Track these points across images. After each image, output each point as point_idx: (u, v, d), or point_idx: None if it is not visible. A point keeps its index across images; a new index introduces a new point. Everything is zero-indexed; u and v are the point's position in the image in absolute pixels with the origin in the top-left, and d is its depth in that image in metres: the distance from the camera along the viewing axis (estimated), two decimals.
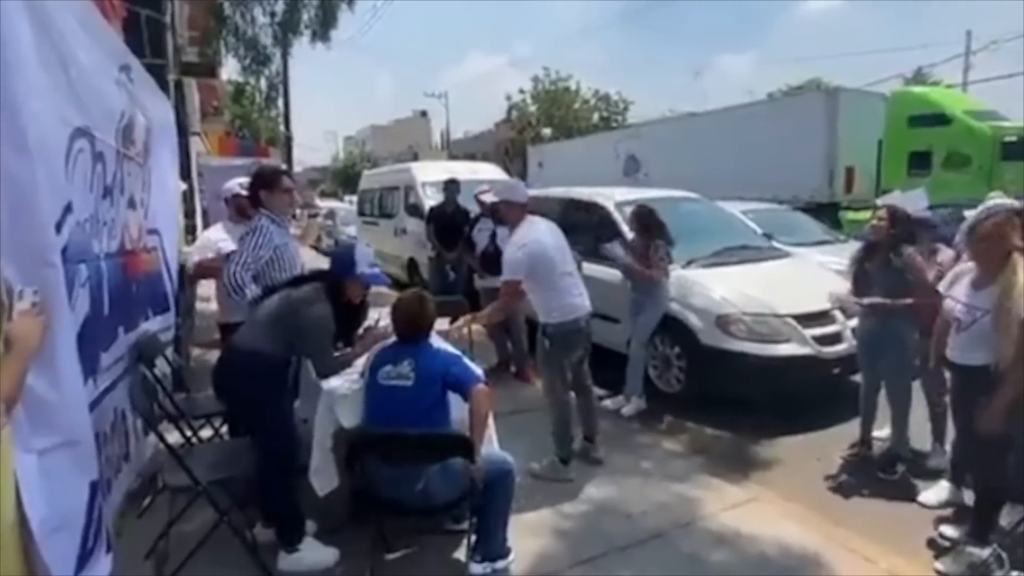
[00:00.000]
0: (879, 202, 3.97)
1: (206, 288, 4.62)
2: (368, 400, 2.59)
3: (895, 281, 3.35)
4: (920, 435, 3.68)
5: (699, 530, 3.00)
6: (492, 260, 5.21)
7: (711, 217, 6.07)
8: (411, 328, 2.61)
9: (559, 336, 3.46)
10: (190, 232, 9.67)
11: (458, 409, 2.54)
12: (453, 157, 30.47)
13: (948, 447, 3.49)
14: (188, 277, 4.15)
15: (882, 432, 3.74)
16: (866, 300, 3.45)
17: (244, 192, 3.47)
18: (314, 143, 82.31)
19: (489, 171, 10.36)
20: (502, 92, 40.23)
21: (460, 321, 3.62)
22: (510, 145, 33.35)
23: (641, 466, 3.70)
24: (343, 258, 2.75)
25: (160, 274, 3.74)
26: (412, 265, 9.32)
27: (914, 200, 4.73)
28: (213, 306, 3.84)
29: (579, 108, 33.49)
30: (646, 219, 4.62)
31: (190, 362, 4.76)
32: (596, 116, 33.46)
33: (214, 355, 3.02)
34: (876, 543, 2.86)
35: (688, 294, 4.59)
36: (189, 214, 10.52)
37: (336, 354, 2.68)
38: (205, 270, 3.74)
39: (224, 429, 3.28)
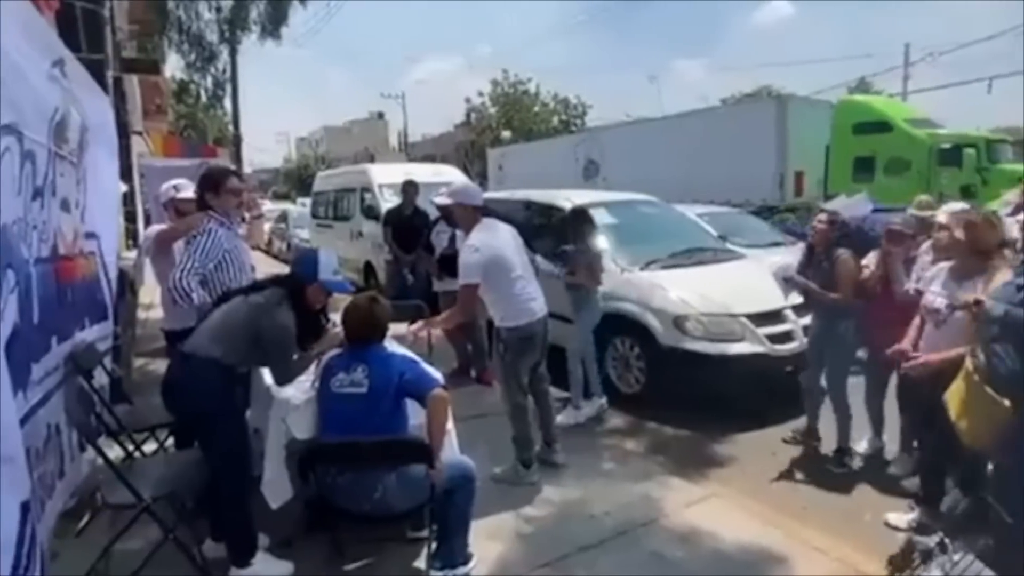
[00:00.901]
0: (826, 207, 4.14)
1: (148, 294, 4.40)
2: (321, 409, 2.51)
3: (826, 280, 3.62)
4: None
5: (660, 528, 3.03)
6: (451, 263, 5.13)
7: (668, 220, 6.18)
8: (364, 333, 2.54)
9: (514, 341, 3.44)
10: (131, 236, 9.25)
11: (417, 415, 2.49)
12: (411, 159, 30.19)
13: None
14: (129, 282, 3.95)
15: (859, 446, 3.83)
16: (809, 284, 3.68)
17: (180, 195, 3.31)
18: (265, 144, 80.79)
19: (449, 173, 10.28)
20: (460, 94, 40.29)
21: (416, 325, 3.55)
22: (470, 147, 33.30)
23: (603, 467, 3.72)
24: (306, 263, 2.67)
25: (98, 280, 3.53)
26: (368, 269, 9.14)
27: (858, 204, 4.93)
28: (155, 313, 3.65)
29: (539, 111, 33.72)
30: (574, 222, 4.56)
31: (132, 372, 4.52)
32: (556, 119, 33.73)
33: (158, 364, 2.88)
34: (828, 535, 2.94)
35: (647, 296, 4.65)
36: (130, 217, 10.07)
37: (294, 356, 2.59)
38: (168, 236, 3.38)
39: (170, 442, 3.13)
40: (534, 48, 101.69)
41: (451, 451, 2.65)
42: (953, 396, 2.48)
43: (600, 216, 5.47)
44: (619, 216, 5.58)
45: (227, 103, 14.18)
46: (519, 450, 3.51)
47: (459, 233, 5.17)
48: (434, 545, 2.50)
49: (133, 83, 11.95)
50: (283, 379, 2.54)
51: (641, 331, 4.60)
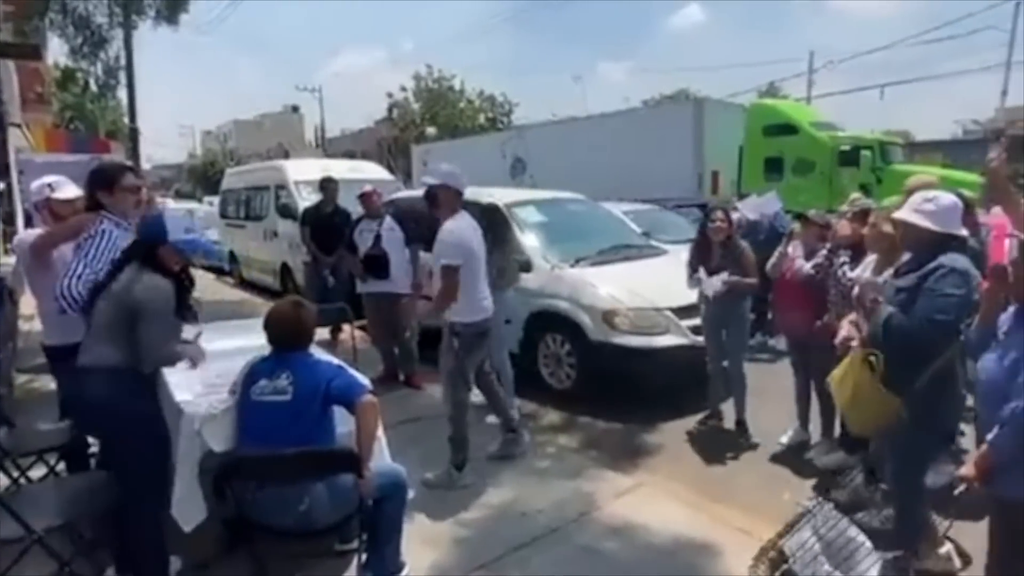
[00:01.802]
0: (738, 205, 4.39)
1: (29, 304, 3.89)
2: (241, 419, 2.35)
3: (734, 269, 3.98)
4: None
5: (592, 521, 3.07)
6: (376, 263, 5.00)
7: (596, 218, 6.29)
8: (288, 339, 2.40)
9: (468, 336, 3.42)
10: (8, 240, 8.35)
11: (344, 423, 2.37)
12: (329, 155, 29.15)
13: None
14: (8, 291, 3.52)
15: (784, 437, 4.00)
16: (735, 279, 3.95)
17: (56, 195, 2.95)
18: (167, 139, 75.44)
19: (372, 170, 10.00)
20: (381, 88, 39.41)
21: (425, 308, 3.52)
22: (392, 143, 32.61)
23: (536, 464, 3.73)
24: (151, 226, 2.51)
25: None
26: (285, 271, 8.70)
27: (768, 203, 5.23)
28: (38, 325, 3.21)
29: (464, 108, 33.48)
30: (483, 220, 4.34)
31: (13, 391, 4.06)
32: (482, 117, 33.62)
33: (43, 381, 2.60)
34: (751, 516, 3.09)
35: (577, 292, 4.70)
36: (8, 219, 9.10)
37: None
38: (46, 243, 2.90)
39: (62, 466, 2.83)
40: (458, 45, 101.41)
41: (381, 458, 2.56)
42: (841, 385, 2.58)
43: (530, 214, 5.50)
44: (548, 214, 5.63)
45: (121, 93, 13.02)
46: (454, 452, 3.46)
47: (385, 233, 5.05)
48: (364, 556, 2.39)
49: (9, 69, 10.74)
50: (156, 351, 2.33)
51: (572, 327, 4.65)
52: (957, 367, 2.42)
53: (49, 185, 3.01)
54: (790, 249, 3.86)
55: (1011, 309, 1.85)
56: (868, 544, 2.35)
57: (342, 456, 2.26)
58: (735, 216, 4.44)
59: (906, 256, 2.54)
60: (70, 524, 2.26)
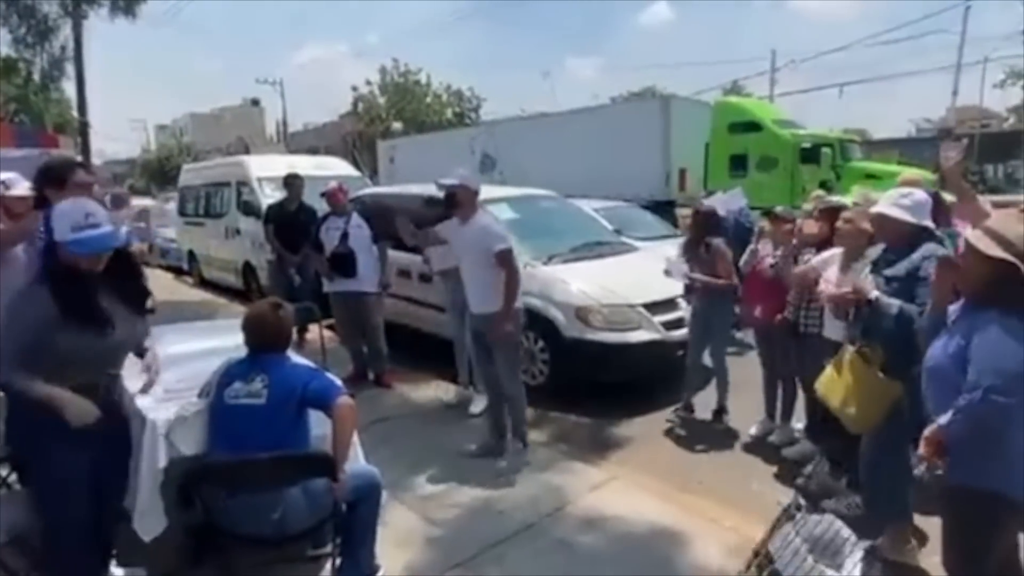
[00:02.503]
0: (705, 202, 4.46)
1: None
2: (213, 423, 2.28)
3: (709, 267, 4.09)
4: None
5: (566, 515, 3.09)
6: (343, 262, 4.90)
7: (567, 215, 6.30)
8: (266, 341, 2.33)
9: (521, 321, 3.69)
10: None
11: (318, 425, 2.32)
12: (292, 151, 28.53)
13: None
14: None
15: (752, 429, 4.09)
16: (697, 276, 4.11)
17: (11, 192, 2.81)
18: (119, 132, 72.70)
19: (337, 166, 9.80)
20: (345, 82, 38.76)
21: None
22: (357, 138, 32.10)
23: (508, 461, 3.71)
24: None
25: None
26: (248, 270, 8.48)
27: (733, 199, 5.32)
28: None
29: (431, 102, 33.20)
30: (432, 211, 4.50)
31: None
32: (449, 112, 33.40)
33: None
34: (720, 505, 3.15)
35: (550, 289, 4.70)
36: None
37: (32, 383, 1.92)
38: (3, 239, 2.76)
39: (13, 477, 2.68)
40: (424, 39, 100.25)
41: (356, 459, 2.51)
42: (832, 389, 2.66)
43: (502, 211, 5.46)
44: (520, 211, 5.60)
45: (67, 85, 12.40)
46: (522, 430, 3.75)
47: (353, 231, 4.95)
48: (338, 560, 2.35)
49: None
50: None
51: (544, 324, 4.65)
52: None
53: (3, 183, 2.92)
54: (759, 246, 3.94)
55: (961, 300, 1.93)
56: (852, 537, 2.40)
57: (317, 460, 2.21)
58: (722, 214, 4.54)
59: (876, 250, 2.65)
60: (21, 537, 2.17)
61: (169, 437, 2.30)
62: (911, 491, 2.68)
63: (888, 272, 2.55)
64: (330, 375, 2.48)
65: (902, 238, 2.53)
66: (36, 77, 11.63)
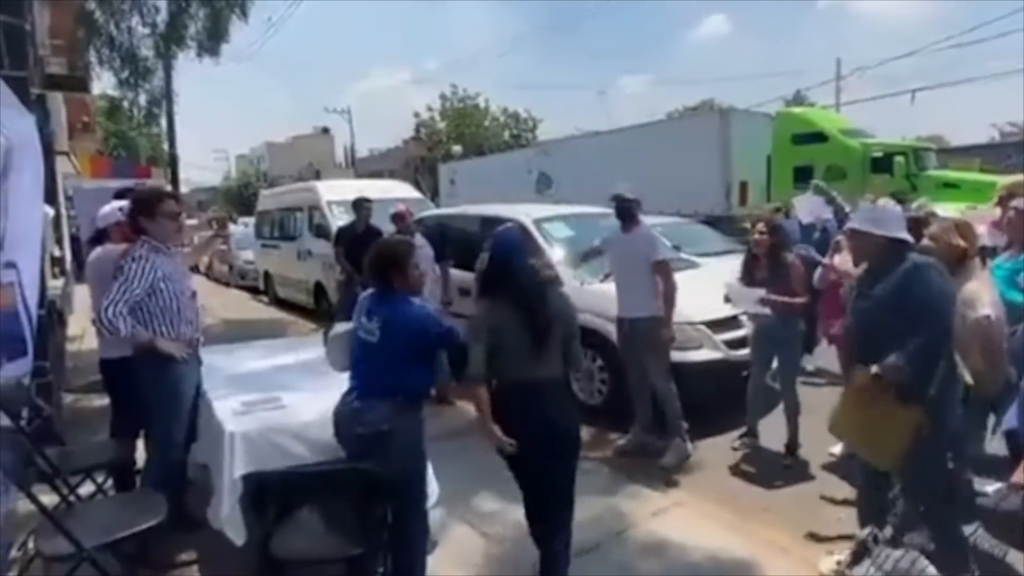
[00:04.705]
0: (794, 206, 4.27)
1: (76, 324, 4.04)
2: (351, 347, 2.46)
3: (781, 284, 3.80)
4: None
5: (629, 539, 3.03)
6: None
7: None
8: (376, 272, 2.42)
9: None
10: (56, 264, 8.67)
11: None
12: (359, 175, 29.75)
13: None
14: (58, 313, 3.67)
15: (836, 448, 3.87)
16: (774, 297, 3.77)
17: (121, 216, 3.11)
18: (203, 162, 77.85)
19: (401, 189, 10.17)
20: (407, 108, 40.05)
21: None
22: (420, 163, 33.11)
23: None
24: None
25: (16, 313, 3.24)
26: (319, 289, 8.89)
27: (817, 205, 5.06)
28: (84, 345, 3.33)
29: (489, 125, 33.90)
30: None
31: (62, 411, 4.20)
32: (506, 133, 33.97)
33: (90, 400, 2.67)
34: (789, 534, 3.01)
35: (607, 307, 4.65)
36: (56, 243, 9.46)
37: None
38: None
39: (109, 483, 2.91)
40: (481, 63, 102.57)
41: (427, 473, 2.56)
42: (847, 423, 2.51)
43: (558, 229, 5.49)
44: (576, 229, 5.62)
45: (163, 121, 13.59)
46: (679, 427, 3.95)
47: (416, 250, 5.07)
48: None
49: (58, 101, 11.31)
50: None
51: (603, 342, 4.61)
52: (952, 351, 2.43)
53: (120, 209, 3.24)
54: (836, 259, 3.75)
55: None
56: (931, 570, 2.26)
57: (372, 478, 2.23)
58: (788, 225, 4.35)
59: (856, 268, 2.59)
60: (116, 542, 2.30)
61: (236, 451, 2.40)
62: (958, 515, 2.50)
63: (877, 291, 2.41)
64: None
65: (882, 251, 2.44)
66: (137, 115, 12.76)
